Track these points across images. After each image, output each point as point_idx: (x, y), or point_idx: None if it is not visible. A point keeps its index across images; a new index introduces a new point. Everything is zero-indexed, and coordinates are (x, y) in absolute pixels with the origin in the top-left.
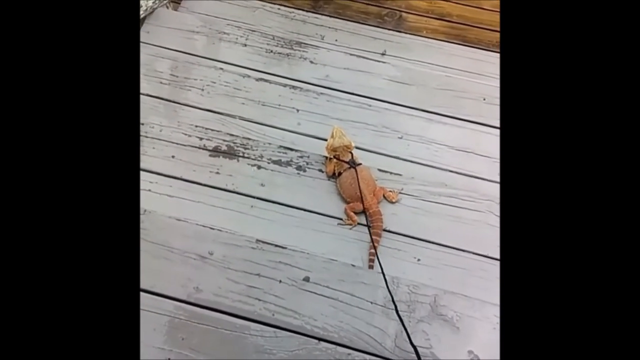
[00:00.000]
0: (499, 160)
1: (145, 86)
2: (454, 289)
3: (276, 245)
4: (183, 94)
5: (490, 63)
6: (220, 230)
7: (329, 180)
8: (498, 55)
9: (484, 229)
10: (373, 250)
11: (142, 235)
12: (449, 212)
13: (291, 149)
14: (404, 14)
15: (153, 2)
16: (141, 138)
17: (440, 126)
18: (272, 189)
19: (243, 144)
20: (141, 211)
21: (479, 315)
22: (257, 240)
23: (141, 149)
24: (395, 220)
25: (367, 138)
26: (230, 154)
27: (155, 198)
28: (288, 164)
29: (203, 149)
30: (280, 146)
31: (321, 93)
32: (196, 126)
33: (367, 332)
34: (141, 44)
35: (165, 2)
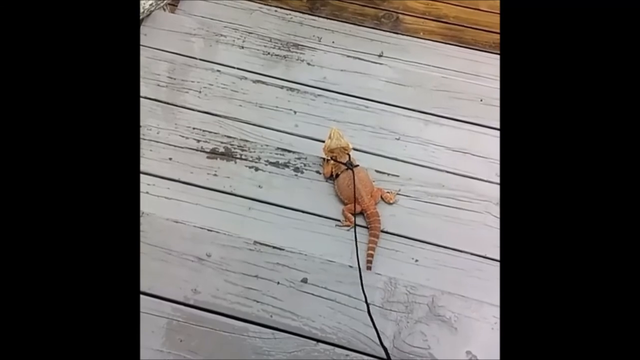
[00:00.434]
0: (496, 161)
1: (142, 89)
2: (452, 289)
3: (274, 247)
4: (180, 96)
5: (486, 64)
6: (218, 232)
7: (326, 181)
8: (494, 56)
9: (482, 230)
10: (371, 252)
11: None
12: (446, 212)
13: (289, 151)
14: (400, 16)
15: (150, 5)
16: None
17: (437, 127)
18: (270, 190)
19: (240, 146)
20: None
21: (477, 316)
22: (255, 242)
23: None
24: (392, 221)
25: (364, 139)
26: (228, 156)
27: (152, 200)
28: (285, 165)
29: (200, 151)
30: (278, 148)
31: (318, 95)
32: (194, 128)
33: (365, 333)
34: None
35: (162, 4)
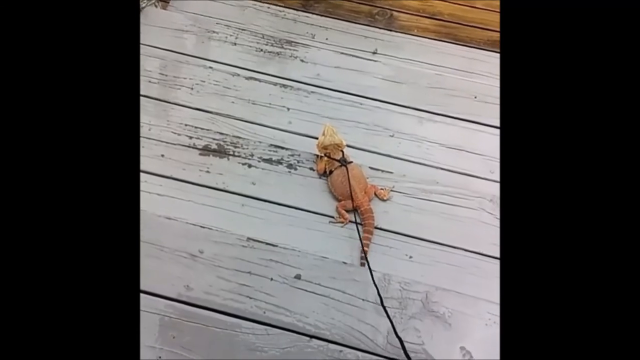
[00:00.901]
0: (490, 158)
1: None
2: (446, 285)
3: (267, 244)
4: (172, 93)
5: (481, 61)
6: (210, 229)
7: (320, 178)
8: (489, 53)
9: (476, 226)
10: (365, 249)
11: None
12: (440, 209)
13: (282, 148)
14: (395, 13)
15: (142, 1)
16: None
17: (432, 124)
18: (263, 187)
19: (233, 143)
20: None
21: (471, 312)
22: (248, 239)
23: None
24: (386, 218)
25: (358, 136)
26: (221, 152)
27: (145, 197)
28: (279, 162)
29: (193, 147)
30: (271, 144)
31: (312, 92)
32: (186, 125)
33: (358, 329)
34: None
35: (153, 1)
